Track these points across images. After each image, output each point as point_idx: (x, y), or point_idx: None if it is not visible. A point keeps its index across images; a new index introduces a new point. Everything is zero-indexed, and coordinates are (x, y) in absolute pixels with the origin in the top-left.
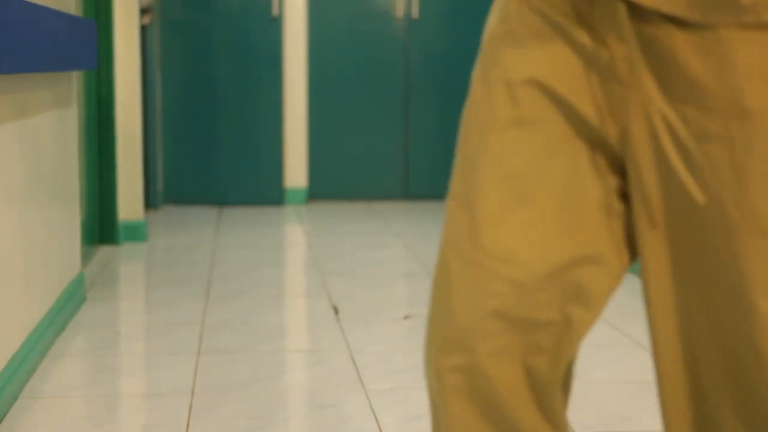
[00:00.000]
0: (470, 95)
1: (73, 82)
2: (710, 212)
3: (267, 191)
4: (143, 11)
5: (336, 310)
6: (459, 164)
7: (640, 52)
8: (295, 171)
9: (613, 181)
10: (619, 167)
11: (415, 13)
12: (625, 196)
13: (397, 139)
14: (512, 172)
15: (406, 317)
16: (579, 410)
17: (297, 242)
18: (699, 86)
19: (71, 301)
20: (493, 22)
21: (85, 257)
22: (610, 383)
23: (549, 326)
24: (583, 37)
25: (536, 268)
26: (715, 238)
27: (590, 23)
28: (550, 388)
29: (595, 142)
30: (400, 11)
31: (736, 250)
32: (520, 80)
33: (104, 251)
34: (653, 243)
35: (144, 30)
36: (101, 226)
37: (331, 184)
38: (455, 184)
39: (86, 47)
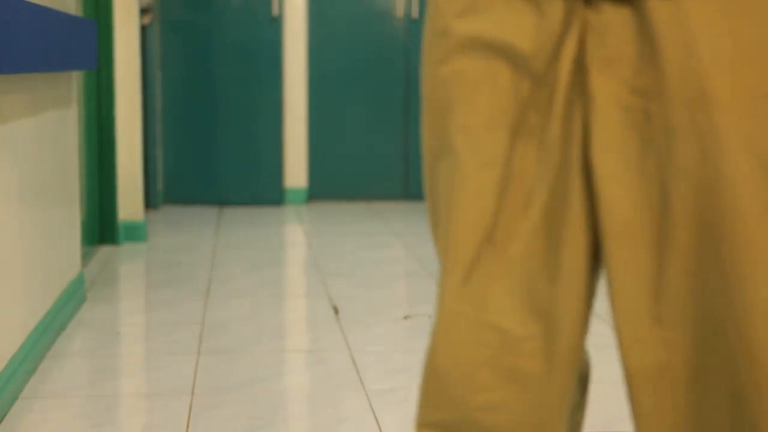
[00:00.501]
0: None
1: (73, 82)
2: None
3: (267, 191)
4: (143, 11)
5: (336, 310)
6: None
7: (597, 43)
8: (295, 171)
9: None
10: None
11: (415, 13)
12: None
13: (397, 139)
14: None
15: (406, 317)
16: None
17: (297, 242)
18: (662, 77)
19: (71, 301)
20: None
21: (85, 257)
22: (610, 383)
23: (535, 374)
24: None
25: (519, 316)
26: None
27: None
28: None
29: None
30: (400, 11)
31: (720, 247)
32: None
33: (104, 251)
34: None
35: (144, 30)
36: (101, 226)
37: (331, 184)
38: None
39: (86, 47)
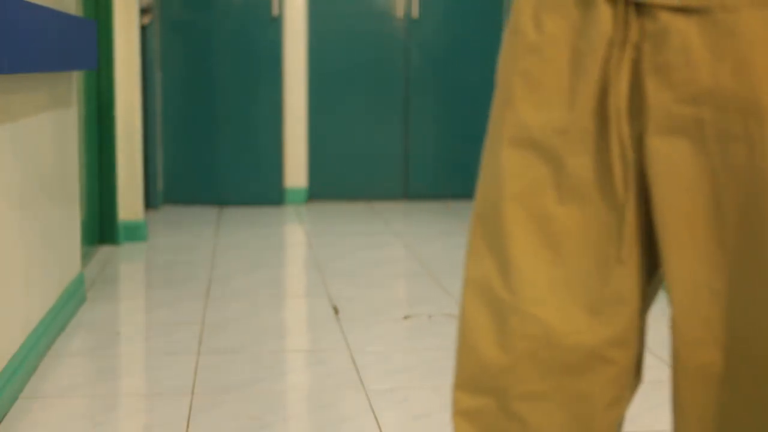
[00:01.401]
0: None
1: (73, 82)
2: (732, 215)
3: (267, 191)
4: (143, 11)
5: (336, 310)
6: (482, 183)
7: (650, 52)
8: (295, 171)
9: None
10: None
11: (415, 13)
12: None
13: (397, 139)
14: (538, 212)
15: (406, 317)
16: None
17: (297, 242)
18: (716, 86)
19: (71, 301)
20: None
21: (85, 257)
22: None
23: (588, 370)
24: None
25: (568, 311)
26: (744, 240)
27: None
28: None
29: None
30: (400, 11)
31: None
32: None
33: (104, 251)
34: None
35: (144, 30)
36: (101, 226)
37: (331, 184)
38: (479, 204)
39: (86, 47)
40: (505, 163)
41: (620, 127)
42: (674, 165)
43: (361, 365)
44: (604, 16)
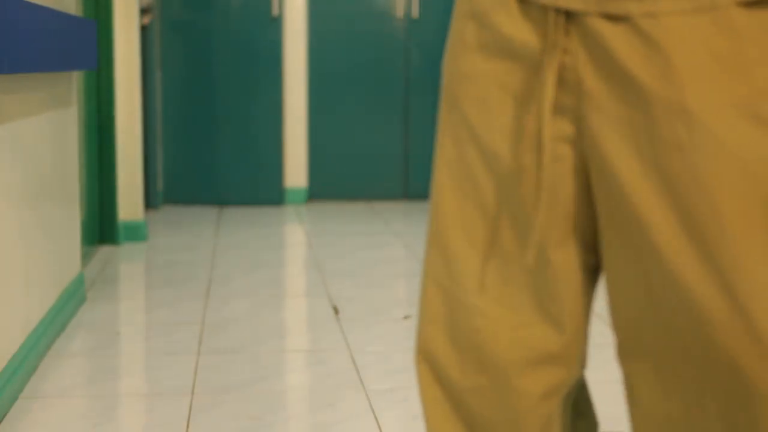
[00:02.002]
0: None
1: (73, 82)
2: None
3: (267, 191)
4: (143, 11)
5: (336, 310)
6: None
7: (585, 56)
8: (295, 171)
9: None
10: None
11: (415, 13)
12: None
13: (397, 139)
14: (470, 200)
15: (406, 317)
16: None
17: (297, 242)
18: (644, 91)
19: (71, 301)
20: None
21: (85, 257)
22: (610, 383)
23: (530, 365)
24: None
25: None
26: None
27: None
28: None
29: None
30: (400, 11)
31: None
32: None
33: (104, 251)
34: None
35: (144, 30)
36: (101, 226)
37: (331, 184)
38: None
39: (86, 47)
40: (443, 154)
41: (542, 127)
42: (612, 165)
43: (361, 365)
44: (533, 24)
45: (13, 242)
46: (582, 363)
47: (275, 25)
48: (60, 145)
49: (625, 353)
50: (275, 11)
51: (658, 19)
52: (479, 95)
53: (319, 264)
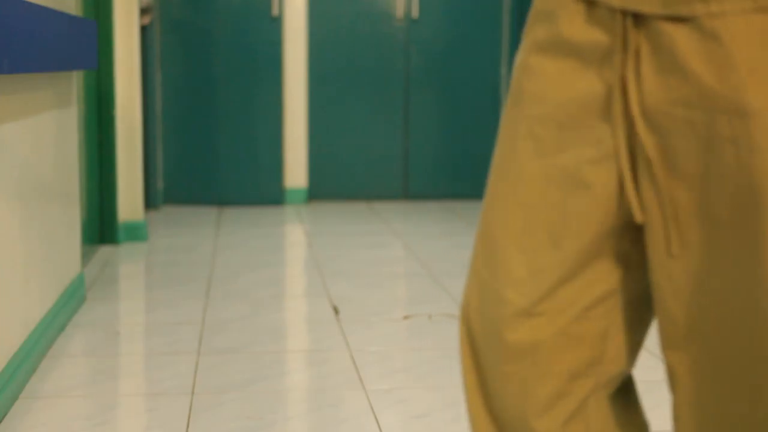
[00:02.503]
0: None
1: (73, 81)
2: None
3: (267, 191)
4: (143, 11)
5: (336, 310)
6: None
7: (649, 56)
8: (295, 171)
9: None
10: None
11: (415, 13)
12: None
13: (397, 139)
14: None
15: (406, 317)
16: None
17: (297, 242)
18: (704, 88)
19: (71, 301)
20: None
21: (85, 257)
22: None
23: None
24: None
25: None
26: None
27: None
28: None
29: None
30: (400, 11)
31: (755, 254)
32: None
33: (104, 251)
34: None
35: (144, 30)
36: (101, 226)
37: (331, 184)
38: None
39: (86, 47)
40: (499, 148)
41: (625, 123)
42: (669, 164)
43: (361, 365)
44: (603, 26)
45: (13, 242)
46: (620, 358)
47: (275, 25)
48: (60, 145)
49: (670, 345)
50: (275, 11)
51: (721, 18)
52: (544, 94)
53: (319, 264)
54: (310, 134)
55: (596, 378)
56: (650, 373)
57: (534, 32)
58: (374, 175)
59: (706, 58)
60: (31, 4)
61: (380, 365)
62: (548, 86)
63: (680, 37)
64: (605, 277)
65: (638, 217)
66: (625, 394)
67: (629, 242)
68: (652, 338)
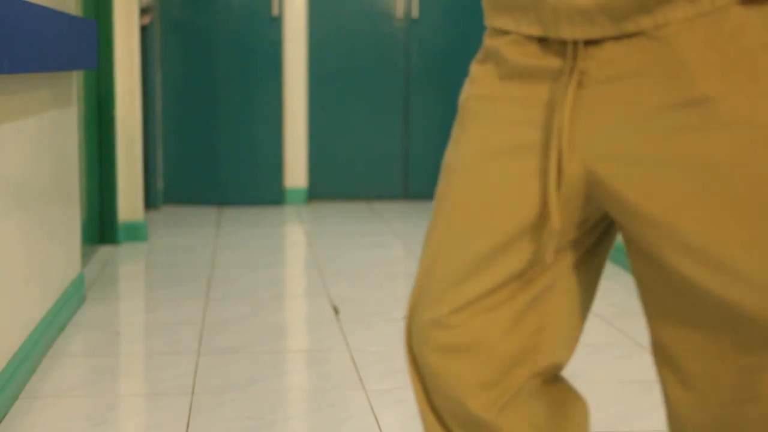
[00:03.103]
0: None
1: (73, 82)
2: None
3: (267, 191)
4: (143, 11)
5: (336, 310)
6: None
7: (595, 71)
8: (295, 171)
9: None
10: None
11: (415, 13)
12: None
13: (397, 139)
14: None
15: (406, 317)
16: None
17: (297, 242)
18: (667, 89)
19: (71, 301)
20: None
21: (85, 257)
22: (610, 383)
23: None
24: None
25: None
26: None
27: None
28: None
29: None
30: (400, 11)
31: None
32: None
33: (104, 251)
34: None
35: (144, 30)
36: (101, 226)
37: (331, 184)
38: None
39: (86, 47)
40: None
41: (560, 140)
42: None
43: (361, 365)
44: (554, 54)
45: (13, 242)
46: (556, 349)
47: (275, 25)
48: (60, 145)
49: (653, 317)
50: (275, 11)
51: (667, 27)
52: (494, 112)
53: (319, 264)
54: (310, 134)
55: (531, 367)
56: (650, 373)
57: (478, 70)
58: (374, 175)
59: (661, 63)
60: (31, 4)
61: (380, 365)
62: (500, 106)
63: (633, 50)
64: (541, 269)
65: (555, 224)
66: (558, 379)
67: (577, 234)
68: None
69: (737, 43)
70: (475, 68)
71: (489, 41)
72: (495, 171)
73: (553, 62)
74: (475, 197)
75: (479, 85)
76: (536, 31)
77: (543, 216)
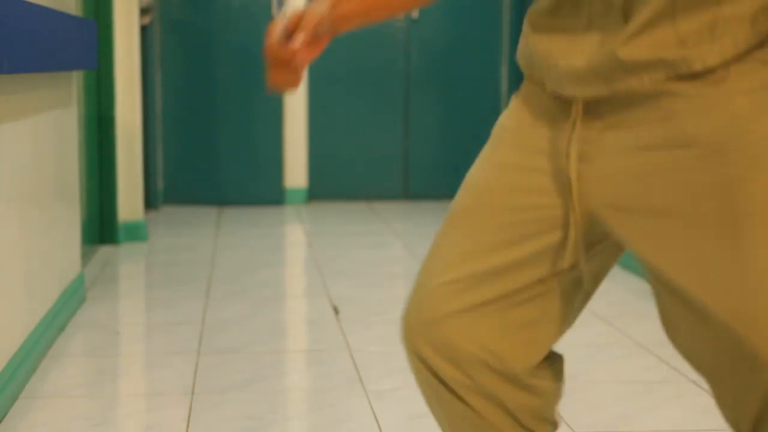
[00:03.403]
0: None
1: (73, 82)
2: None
3: (267, 191)
4: (143, 11)
5: (336, 310)
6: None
7: (599, 123)
8: (295, 171)
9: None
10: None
11: (415, 13)
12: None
13: (397, 139)
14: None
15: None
16: (579, 410)
17: (297, 242)
18: (672, 131)
19: (71, 301)
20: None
21: (85, 257)
22: (610, 383)
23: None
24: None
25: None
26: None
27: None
28: None
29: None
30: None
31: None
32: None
33: (104, 251)
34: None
35: (144, 30)
36: (101, 226)
37: (331, 184)
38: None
39: (86, 47)
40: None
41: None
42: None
43: (361, 365)
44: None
45: (13, 242)
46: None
47: None
48: (60, 145)
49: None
50: (275, 11)
51: (653, 86)
52: (519, 141)
53: (319, 264)
54: (310, 134)
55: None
56: (650, 373)
57: (519, 101)
58: (374, 175)
59: (653, 112)
60: (31, 4)
61: (380, 365)
62: (524, 132)
63: (630, 103)
64: (541, 286)
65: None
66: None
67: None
68: (649, 336)
69: (718, 89)
70: (513, 101)
71: (525, 82)
72: (507, 185)
73: (566, 113)
74: (485, 210)
75: (512, 116)
76: (551, 87)
77: (551, 238)
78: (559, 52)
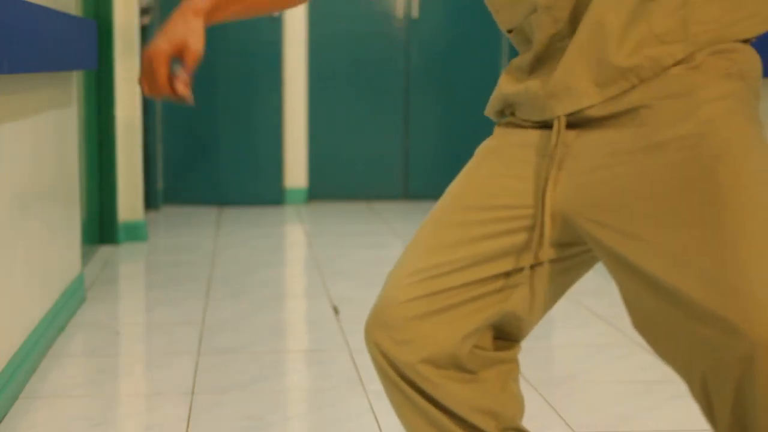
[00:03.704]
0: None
1: (73, 82)
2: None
3: (267, 191)
4: (143, 11)
5: (336, 310)
6: None
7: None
8: (295, 171)
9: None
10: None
11: (415, 13)
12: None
13: (397, 139)
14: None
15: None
16: (579, 410)
17: (297, 242)
18: (621, 138)
19: (71, 301)
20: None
21: (85, 257)
22: (610, 383)
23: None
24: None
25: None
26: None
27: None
28: None
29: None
30: (400, 11)
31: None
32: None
33: (104, 251)
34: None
35: (144, 30)
36: (101, 226)
37: (331, 184)
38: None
39: (86, 47)
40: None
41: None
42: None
43: (361, 365)
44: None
45: (13, 242)
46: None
47: (275, 25)
48: (60, 145)
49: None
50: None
51: (632, 91)
52: (502, 154)
53: (319, 264)
54: (310, 134)
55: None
56: (650, 373)
57: (501, 127)
58: (374, 175)
59: (630, 121)
60: (31, 4)
61: None
62: (509, 152)
63: (610, 116)
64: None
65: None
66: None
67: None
68: None
69: (688, 100)
70: (496, 128)
71: (498, 126)
72: (486, 186)
73: (546, 135)
74: (458, 209)
75: (495, 138)
76: (531, 117)
77: (525, 235)
78: (537, 86)
